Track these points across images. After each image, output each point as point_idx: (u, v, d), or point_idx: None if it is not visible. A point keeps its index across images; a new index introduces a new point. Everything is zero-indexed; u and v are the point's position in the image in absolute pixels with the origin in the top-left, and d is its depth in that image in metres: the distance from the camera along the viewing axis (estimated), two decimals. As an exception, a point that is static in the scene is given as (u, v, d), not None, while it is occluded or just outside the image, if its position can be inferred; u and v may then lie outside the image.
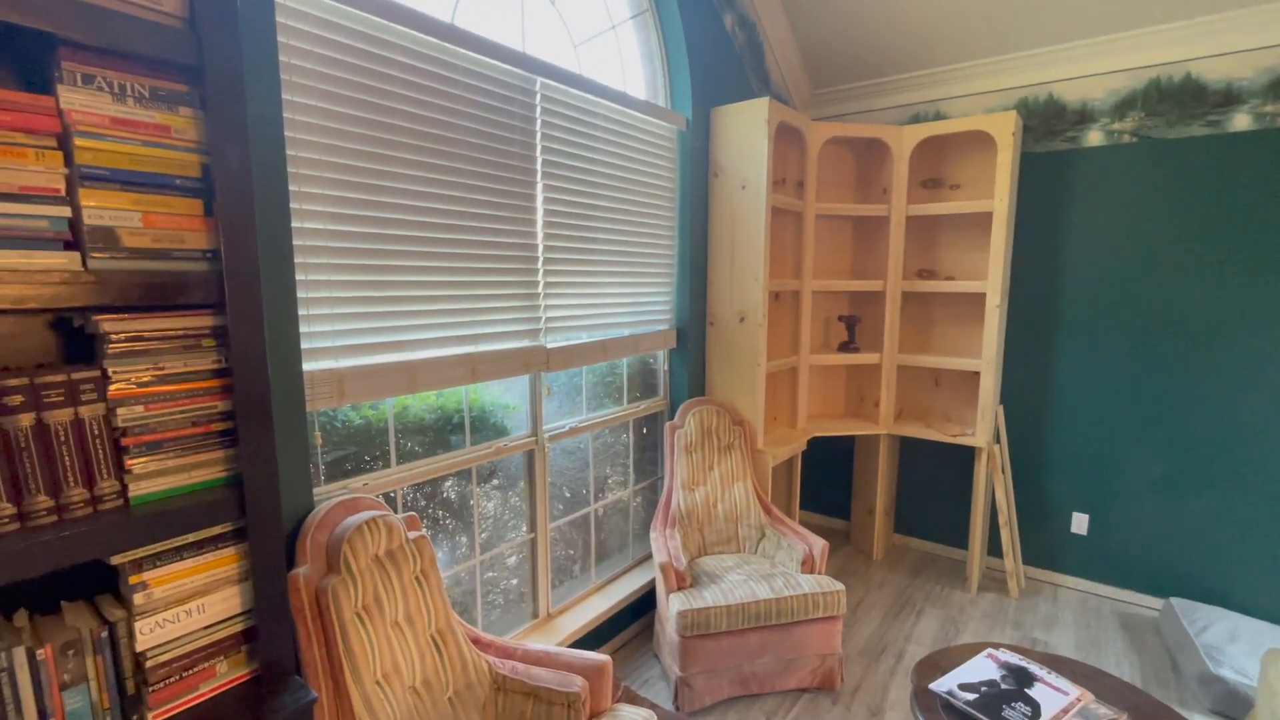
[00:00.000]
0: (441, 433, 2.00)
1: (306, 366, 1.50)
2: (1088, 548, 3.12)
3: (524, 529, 2.29)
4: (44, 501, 0.93)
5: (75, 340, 1.08)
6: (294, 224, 1.45)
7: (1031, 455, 3.21)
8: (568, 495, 2.50)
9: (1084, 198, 2.97)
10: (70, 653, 0.98)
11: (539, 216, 2.09)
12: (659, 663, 2.47)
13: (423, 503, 2.01)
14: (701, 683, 2.18)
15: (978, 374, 3.24)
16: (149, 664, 1.05)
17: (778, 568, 2.40)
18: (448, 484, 2.08)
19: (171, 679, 1.08)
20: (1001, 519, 3.05)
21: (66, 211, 0.92)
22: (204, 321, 1.08)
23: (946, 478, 3.49)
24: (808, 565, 2.36)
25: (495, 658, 1.68)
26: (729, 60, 2.98)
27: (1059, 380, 3.10)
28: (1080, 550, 3.14)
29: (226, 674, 1.15)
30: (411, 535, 1.58)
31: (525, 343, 2.09)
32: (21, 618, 1.00)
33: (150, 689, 1.06)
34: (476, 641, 1.72)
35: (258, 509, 1.13)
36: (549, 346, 2.17)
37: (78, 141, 0.92)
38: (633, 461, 2.83)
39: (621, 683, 1.92)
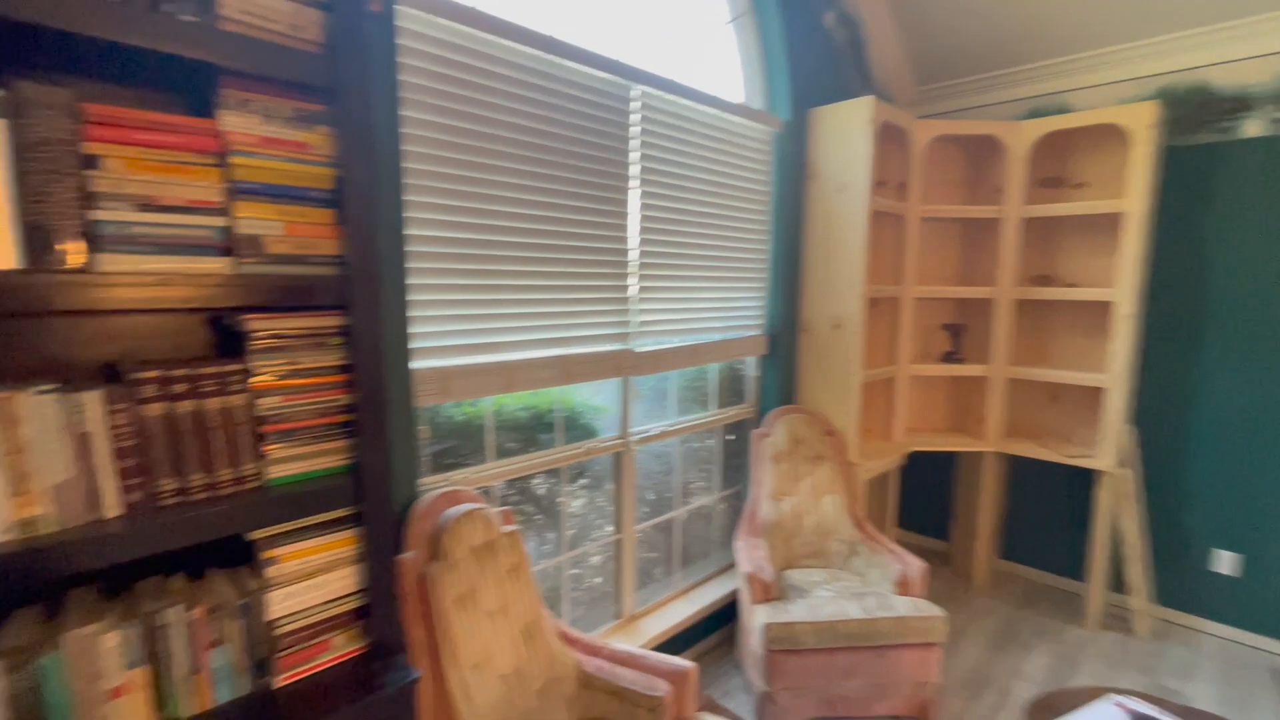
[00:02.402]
0: (534, 431, 2.07)
1: (415, 365, 1.60)
2: (1238, 591, 2.76)
3: (610, 529, 2.32)
4: (199, 479, 1.05)
5: (224, 337, 1.21)
6: (408, 231, 1.55)
7: (1168, 483, 2.88)
8: (651, 498, 2.52)
9: (1239, 195, 2.63)
10: (216, 616, 1.09)
11: (632, 222, 2.12)
12: (740, 675, 2.43)
13: (514, 498, 2.09)
14: (786, 700, 2.12)
15: (1103, 390, 2.95)
16: (277, 633, 1.16)
17: (870, 586, 2.30)
18: (537, 481, 2.15)
19: (296, 647, 1.18)
20: (1130, 552, 2.75)
21: (223, 222, 1.04)
22: (331, 321, 1.17)
23: (1062, 503, 3.20)
24: (903, 587, 2.24)
25: (582, 654, 1.72)
26: (828, 59, 2.89)
27: (1205, 400, 2.77)
28: (1228, 593, 2.78)
29: (342, 647, 1.25)
30: (506, 529, 1.64)
31: (615, 346, 2.12)
32: (179, 581, 1.13)
33: (278, 655, 1.16)
34: (564, 637, 1.76)
35: (372, 495, 1.22)
36: (638, 350, 2.19)
37: (233, 160, 1.03)
38: (718, 468, 2.80)
39: (703, 691, 1.91)
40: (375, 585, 1.25)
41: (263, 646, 1.15)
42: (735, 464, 2.89)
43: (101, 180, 0.93)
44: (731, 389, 2.83)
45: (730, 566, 2.82)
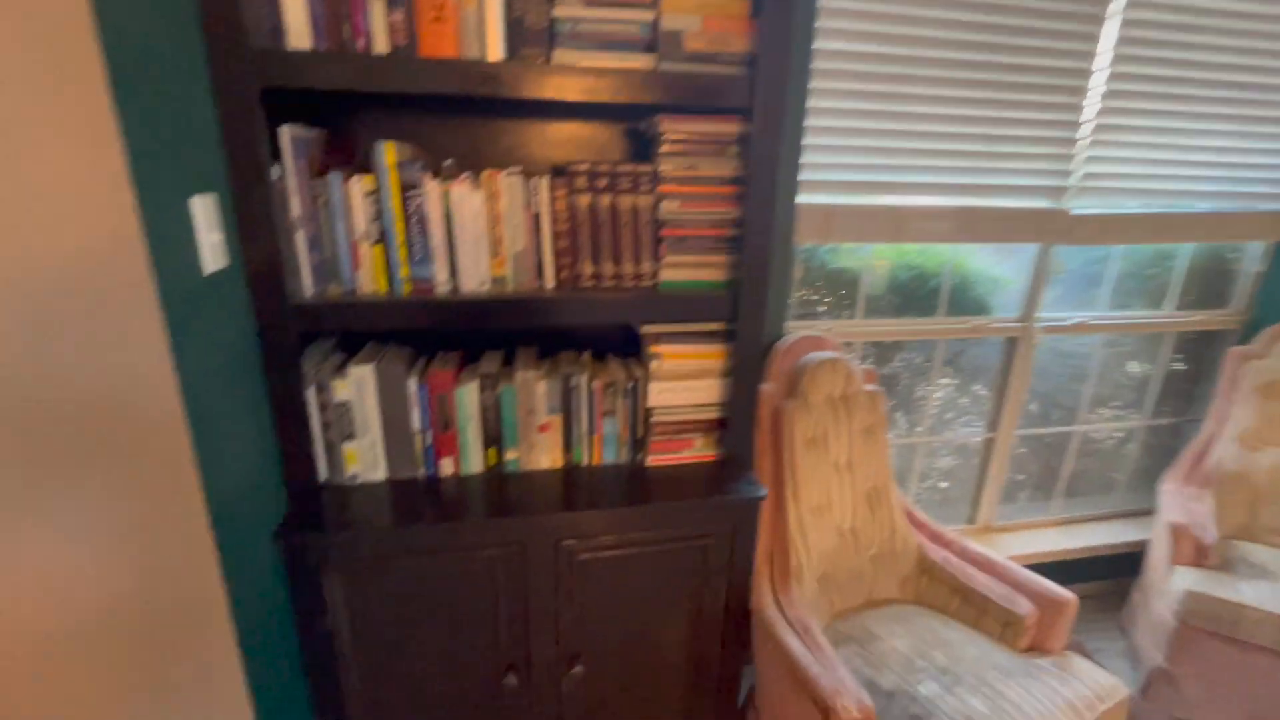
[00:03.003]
0: (913, 296, 1.83)
1: (799, 198, 1.50)
2: None
3: (980, 427, 1.99)
4: (609, 269, 1.18)
5: (636, 146, 1.29)
6: (814, 43, 1.39)
7: None
8: (1034, 408, 2.05)
9: None
10: (609, 391, 1.27)
11: (1103, 34, 1.54)
12: (1123, 639, 1.95)
13: (871, 366, 1.92)
14: (1193, 689, 1.62)
15: None
16: (651, 420, 1.30)
17: (1407, 606, 1.51)
18: (901, 353, 1.93)
19: (664, 436, 1.31)
20: None
21: (650, 16, 1.05)
22: (731, 128, 1.14)
23: None
24: None
25: (927, 540, 1.56)
26: None
27: None
28: None
29: (700, 449, 1.35)
30: (868, 388, 1.52)
31: (1043, 202, 1.66)
32: (586, 357, 1.34)
33: (650, 439, 1.31)
34: (910, 517, 1.62)
35: (745, 315, 1.22)
36: (1075, 212, 1.69)
37: (665, -56, 1.01)
38: (1151, 388, 2.11)
39: (1073, 635, 1.58)
40: (735, 402, 1.29)
41: (640, 427, 1.32)
42: (1180, 389, 2.14)
43: (560, -24, 1.01)
44: (1207, 284, 2.02)
45: (1139, 513, 2.20)
